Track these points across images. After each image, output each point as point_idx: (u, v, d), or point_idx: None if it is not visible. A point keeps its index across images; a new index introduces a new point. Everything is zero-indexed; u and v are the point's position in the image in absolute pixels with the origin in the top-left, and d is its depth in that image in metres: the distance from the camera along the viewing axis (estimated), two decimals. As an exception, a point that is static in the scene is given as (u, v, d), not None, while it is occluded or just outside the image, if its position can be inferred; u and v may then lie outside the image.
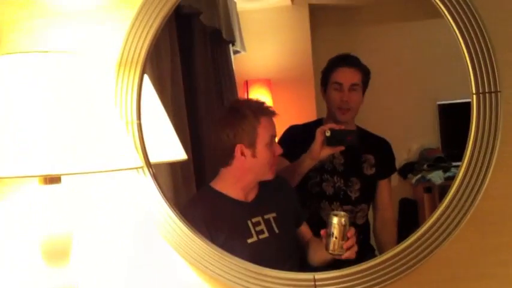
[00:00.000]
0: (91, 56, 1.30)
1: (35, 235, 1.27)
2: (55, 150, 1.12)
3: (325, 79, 1.58)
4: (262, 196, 1.57)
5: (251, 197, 1.56)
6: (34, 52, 1.20)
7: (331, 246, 1.42)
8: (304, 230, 1.59)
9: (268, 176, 1.54)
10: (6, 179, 1.47)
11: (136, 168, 1.35)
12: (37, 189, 1.27)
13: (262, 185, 1.57)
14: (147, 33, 1.42)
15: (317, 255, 1.52)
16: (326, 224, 1.43)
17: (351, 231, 1.43)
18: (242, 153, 1.50)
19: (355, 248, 1.43)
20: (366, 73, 1.56)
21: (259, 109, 1.53)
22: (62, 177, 1.27)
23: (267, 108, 1.54)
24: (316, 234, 1.49)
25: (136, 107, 1.42)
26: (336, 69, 1.58)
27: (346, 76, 1.57)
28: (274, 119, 1.53)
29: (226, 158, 1.53)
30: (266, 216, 1.54)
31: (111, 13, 1.49)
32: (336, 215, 1.42)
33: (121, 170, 1.28)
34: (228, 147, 1.51)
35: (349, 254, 1.42)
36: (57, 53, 1.22)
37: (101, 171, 1.18)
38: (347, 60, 1.57)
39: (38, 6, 1.52)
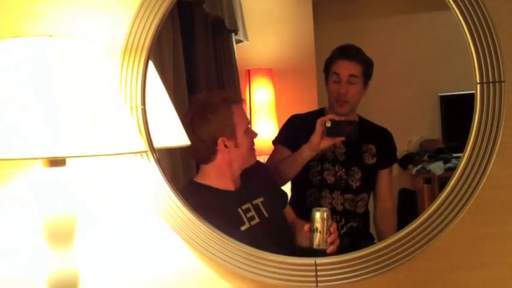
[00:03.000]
0: (96, 41, 1.29)
1: (39, 218, 1.27)
2: (60, 132, 1.12)
3: (327, 69, 1.59)
4: (247, 183, 1.57)
5: (237, 185, 1.56)
6: (40, 36, 1.20)
7: (316, 241, 1.46)
8: (288, 210, 1.61)
9: (252, 161, 1.57)
10: (11, 161, 1.46)
11: (140, 152, 1.35)
12: (41, 172, 1.27)
13: (243, 172, 1.57)
14: (153, 19, 1.42)
15: (302, 236, 1.51)
16: (309, 220, 1.46)
17: (333, 226, 1.47)
18: (225, 146, 1.51)
19: (338, 242, 1.47)
20: (367, 65, 1.56)
21: (226, 98, 1.54)
22: (67, 160, 1.27)
23: (233, 95, 1.59)
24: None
25: (141, 92, 1.43)
26: (336, 61, 1.58)
27: (344, 68, 1.57)
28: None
29: (209, 155, 1.52)
30: (255, 202, 1.55)
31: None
32: (318, 210, 1.46)
33: (126, 153, 1.29)
34: (210, 144, 1.51)
35: (333, 248, 1.46)
36: (63, 37, 1.22)
37: (106, 155, 1.18)
38: (346, 53, 1.57)
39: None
